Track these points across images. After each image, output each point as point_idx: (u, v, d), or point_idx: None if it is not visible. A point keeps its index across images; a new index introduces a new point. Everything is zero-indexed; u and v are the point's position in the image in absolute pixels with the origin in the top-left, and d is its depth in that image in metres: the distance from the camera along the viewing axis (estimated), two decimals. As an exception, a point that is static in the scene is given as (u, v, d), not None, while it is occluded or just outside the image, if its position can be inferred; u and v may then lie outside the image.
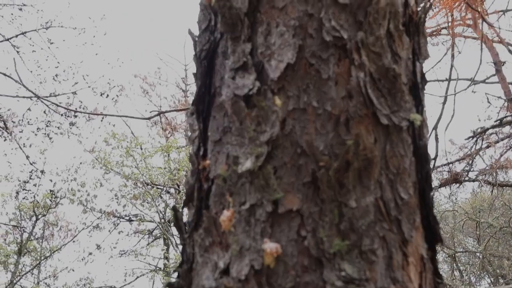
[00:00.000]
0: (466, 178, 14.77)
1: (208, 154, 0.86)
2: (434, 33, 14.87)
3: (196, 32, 0.99)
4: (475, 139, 13.69)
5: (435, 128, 2.89)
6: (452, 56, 3.14)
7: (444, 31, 15.15)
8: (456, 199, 21.81)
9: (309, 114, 0.79)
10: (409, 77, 0.89)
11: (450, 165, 15.13)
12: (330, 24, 0.83)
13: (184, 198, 0.87)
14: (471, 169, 14.56)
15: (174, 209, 0.87)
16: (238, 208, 0.77)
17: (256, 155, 0.77)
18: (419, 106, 0.89)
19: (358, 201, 0.75)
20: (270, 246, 0.72)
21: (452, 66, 3.07)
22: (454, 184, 14.91)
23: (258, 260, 0.73)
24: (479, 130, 13.40)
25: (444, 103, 2.89)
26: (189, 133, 0.93)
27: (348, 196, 0.75)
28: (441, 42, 15.38)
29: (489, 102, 13.79)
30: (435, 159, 2.95)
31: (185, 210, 0.89)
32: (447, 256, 24.54)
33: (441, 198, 24.63)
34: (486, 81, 13.85)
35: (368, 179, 0.77)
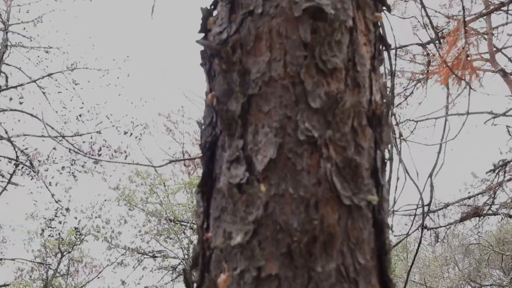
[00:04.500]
0: (490, 212, 14.75)
1: (210, 227, 1.10)
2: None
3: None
4: (496, 172, 13.72)
5: (430, 176, 3.09)
6: (447, 107, 3.35)
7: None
8: (479, 232, 21.65)
9: (287, 198, 1.02)
10: (370, 163, 1.12)
11: (472, 198, 15.14)
12: (304, 125, 1.06)
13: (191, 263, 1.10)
14: (493, 202, 14.56)
15: (184, 271, 1.11)
16: (232, 273, 1.00)
17: (245, 231, 1.01)
18: (378, 186, 1.12)
19: (323, 267, 0.98)
20: (254, 303, 0.95)
21: (446, 120, 3.27)
22: (475, 218, 14.91)
23: (246, 314, 0.95)
24: (500, 163, 13.44)
25: (439, 152, 3.09)
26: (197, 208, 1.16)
27: (315, 263, 0.98)
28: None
29: (510, 134, 13.86)
30: (429, 205, 3.15)
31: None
32: (473, 290, 24.28)
33: (466, 232, 24.46)
34: (506, 114, 13.94)
35: (332, 249, 0.99)
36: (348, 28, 1.18)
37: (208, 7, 1.32)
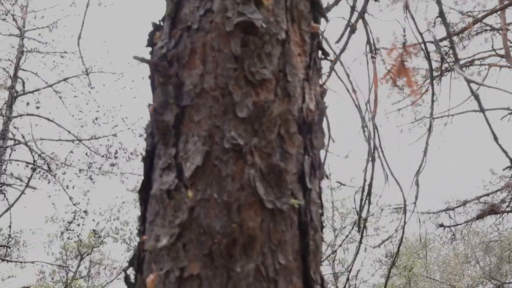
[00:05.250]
0: (508, 209, 14.64)
1: (146, 231, 1.17)
2: (468, 64, 15.00)
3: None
4: (514, 169, 13.59)
5: (416, 174, 3.13)
6: (432, 107, 3.39)
7: (477, 62, 15.27)
8: (499, 229, 21.43)
9: (211, 203, 1.09)
10: (298, 168, 1.19)
11: (490, 195, 15.03)
12: (230, 134, 1.13)
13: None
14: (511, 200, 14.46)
15: (125, 271, 1.18)
16: (159, 273, 1.08)
17: (170, 234, 1.08)
18: (306, 190, 1.18)
19: (242, 267, 1.05)
20: (175, 301, 1.02)
21: (430, 124, 3.30)
22: (491, 215, 14.81)
23: (168, 311, 1.03)
24: (518, 159, 13.27)
25: (425, 151, 3.12)
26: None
27: (235, 264, 1.05)
28: (476, 73, 15.50)
29: (528, 130, 13.76)
30: (415, 203, 3.20)
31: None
32: (494, 287, 24.06)
33: (486, 229, 24.25)
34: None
35: (252, 250, 1.06)
36: (281, 41, 1.25)
37: (158, 23, 1.39)
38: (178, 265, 1.06)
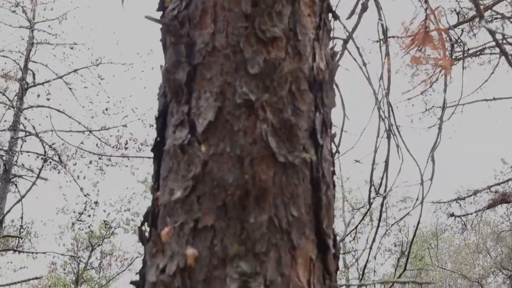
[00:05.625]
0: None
1: (160, 187, 1.19)
2: (478, 53, 14.92)
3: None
4: (525, 157, 13.51)
5: (432, 151, 3.12)
6: (444, 91, 3.37)
7: (487, 50, 15.18)
8: (509, 219, 21.33)
9: (224, 157, 1.11)
10: (309, 124, 1.20)
11: (501, 184, 14.98)
12: (242, 90, 1.15)
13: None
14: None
15: (139, 227, 1.20)
16: (173, 225, 1.09)
17: (184, 187, 1.10)
18: (317, 147, 1.19)
19: (255, 218, 1.06)
20: (189, 251, 1.04)
21: (444, 99, 3.29)
22: (502, 205, 14.75)
23: (183, 261, 1.04)
24: (529, 148, 13.24)
25: (439, 129, 3.12)
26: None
27: (249, 215, 1.06)
28: (486, 61, 15.41)
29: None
30: (431, 179, 3.19)
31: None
32: (505, 277, 24.02)
33: (497, 219, 24.17)
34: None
35: (264, 202, 1.07)
36: (290, 0, 1.25)
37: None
38: (192, 217, 1.07)
